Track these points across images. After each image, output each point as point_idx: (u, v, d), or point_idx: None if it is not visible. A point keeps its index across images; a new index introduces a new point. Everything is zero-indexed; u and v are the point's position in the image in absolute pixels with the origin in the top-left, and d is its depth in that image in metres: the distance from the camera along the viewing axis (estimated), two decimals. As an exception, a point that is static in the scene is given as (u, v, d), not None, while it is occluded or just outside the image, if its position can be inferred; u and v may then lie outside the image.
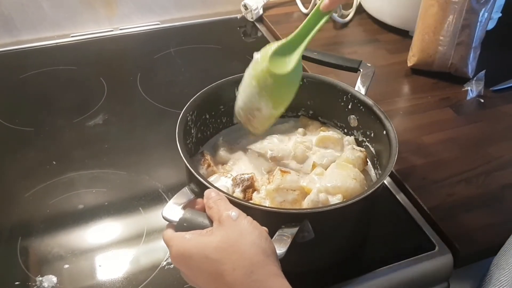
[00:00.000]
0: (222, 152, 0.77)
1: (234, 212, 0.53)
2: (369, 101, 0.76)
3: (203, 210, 0.58)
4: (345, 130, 0.82)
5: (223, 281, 0.49)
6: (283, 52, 0.69)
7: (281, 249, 0.54)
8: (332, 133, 0.80)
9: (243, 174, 0.70)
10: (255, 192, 0.68)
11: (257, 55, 0.69)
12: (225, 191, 0.61)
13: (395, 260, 0.71)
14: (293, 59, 0.69)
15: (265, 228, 0.54)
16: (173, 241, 0.54)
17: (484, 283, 0.69)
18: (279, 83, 0.68)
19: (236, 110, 0.73)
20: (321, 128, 0.83)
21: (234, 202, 0.57)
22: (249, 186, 0.68)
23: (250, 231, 0.52)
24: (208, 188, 0.59)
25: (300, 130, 0.82)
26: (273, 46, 0.69)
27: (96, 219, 0.77)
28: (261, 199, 0.67)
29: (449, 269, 0.74)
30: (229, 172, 0.73)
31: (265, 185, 0.68)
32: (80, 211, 0.78)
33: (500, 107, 1.01)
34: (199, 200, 0.60)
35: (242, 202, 0.60)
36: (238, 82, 0.76)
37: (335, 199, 0.65)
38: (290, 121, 0.84)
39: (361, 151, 0.74)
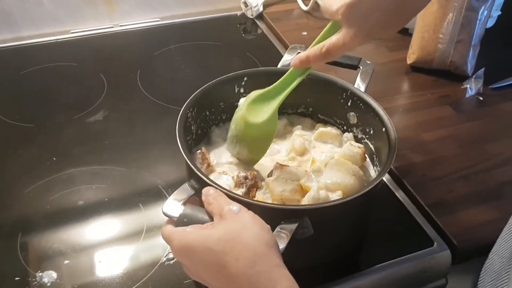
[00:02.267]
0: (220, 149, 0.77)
1: (235, 206, 0.54)
2: (369, 98, 0.76)
3: (203, 207, 0.58)
4: (345, 127, 0.82)
5: (226, 272, 0.49)
6: (263, 100, 0.70)
7: (280, 245, 0.54)
8: (330, 129, 0.80)
9: (245, 172, 0.69)
10: (258, 190, 0.68)
11: (242, 99, 0.71)
12: (226, 188, 0.61)
13: (394, 256, 0.72)
14: (269, 110, 0.70)
15: (267, 225, 0.54)
16: (174, 235, 0.54)
17: (485, 271, 0.69)
18: (252, 131, 0.70)
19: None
20: (318, 124, 0.83)
21: (233, 199, 0.57)
22: (253, 185, 0.68)
23: (253, 224, 0.52)
24: (209, 184, 0.60)
25: (298, 125, 0.82)
26: (255, 93, 0.70)
27: (96, 215, 0.77)
28: (263, 194, 0.67)
29: (448, 266, 0.74)
30: (230, 172, 0.73)
31: (264, 180, 0.69)
32: (80, 207, 0.78)
33: (499, 105, 1.01)
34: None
35: (241, 198, 0.60)
36: (238, 79, 0.76)
37: (335, 196, 0.66)
38: (283, 118, 0.84)
39: (359, 147, 0.74)
